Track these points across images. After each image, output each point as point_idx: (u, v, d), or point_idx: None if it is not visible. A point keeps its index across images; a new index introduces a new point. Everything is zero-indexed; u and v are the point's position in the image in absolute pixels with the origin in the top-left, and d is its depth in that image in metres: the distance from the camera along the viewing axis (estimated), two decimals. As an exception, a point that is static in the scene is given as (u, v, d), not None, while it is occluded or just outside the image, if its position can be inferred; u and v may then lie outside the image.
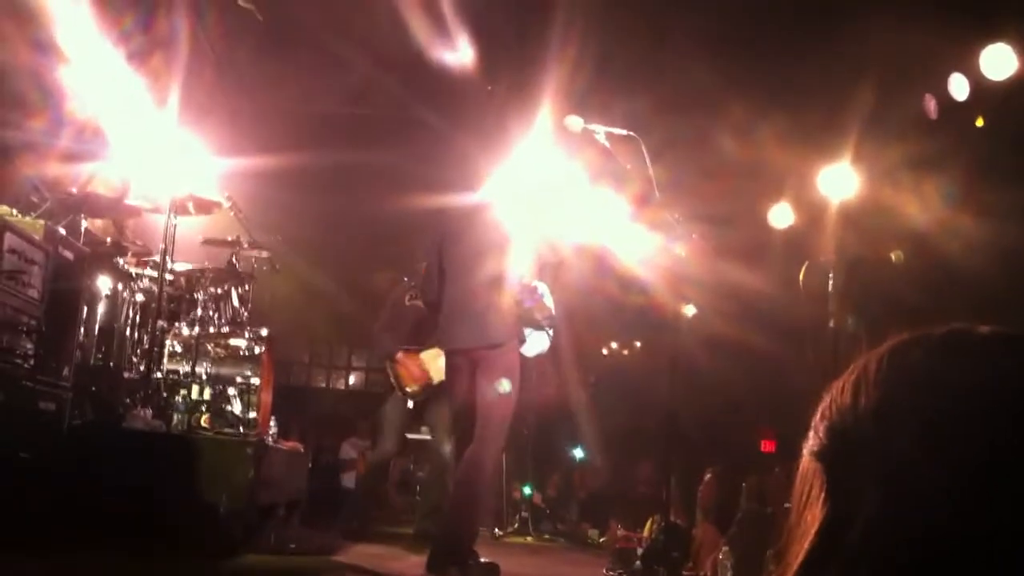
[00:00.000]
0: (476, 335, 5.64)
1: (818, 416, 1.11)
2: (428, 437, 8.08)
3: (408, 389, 7.31)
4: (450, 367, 5.89)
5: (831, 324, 5.20)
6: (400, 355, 7.28)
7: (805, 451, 1.11)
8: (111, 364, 6.50)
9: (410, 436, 9.37)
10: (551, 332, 5.87)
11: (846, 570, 0.98)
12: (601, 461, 11.42)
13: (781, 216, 8.81)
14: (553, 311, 5.78)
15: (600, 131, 5.30)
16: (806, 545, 1.04)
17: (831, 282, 5.27)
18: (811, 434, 1.11)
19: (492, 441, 5.57)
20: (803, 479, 1.11)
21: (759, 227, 8.71)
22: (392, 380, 7.38)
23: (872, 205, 7.34)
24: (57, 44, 6.56)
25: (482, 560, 5.73)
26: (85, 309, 6.07)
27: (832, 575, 0.99)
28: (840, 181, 7.79)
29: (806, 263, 5.33)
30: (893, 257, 5.34)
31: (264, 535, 6.40)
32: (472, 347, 5.65)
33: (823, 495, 1.05)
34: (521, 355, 5.73)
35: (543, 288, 5.75)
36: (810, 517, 1.07)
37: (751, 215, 8.70)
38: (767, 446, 9.65)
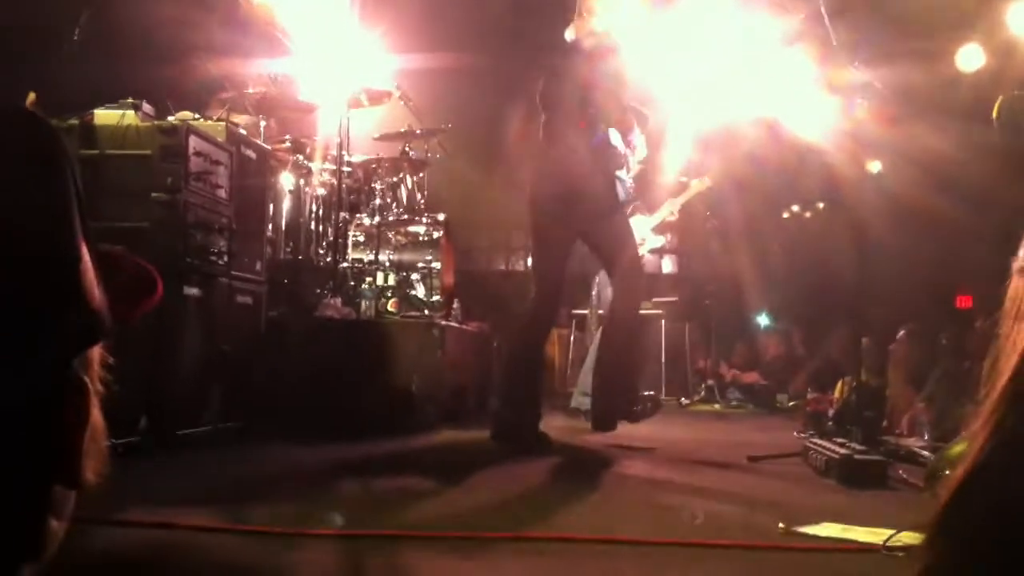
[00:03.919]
0: None
1: None
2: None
3: None
4: None
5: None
6: None
7: (1014, 269, 1.06)
8: (299, 257, 6.77)
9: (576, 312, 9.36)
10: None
11: None
12: (788, 326, 11.21)
13: (970, 58, 8.23)
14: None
15: (770, -17, 4.97)
16: (1014, 361, 1.00)
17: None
18: (1021, 252, 1.05)
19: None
20: (1013, 298, 1.06)
21: (946, 75, 8.16)
22: None
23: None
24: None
25: (644, 394, 5.71)
26: (271, 206, 6.31)
27: None
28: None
29: (1000, 97, 4.96)
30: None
31: (456, 413, 6.62)
32: None
33: None
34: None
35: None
36: (1020, 336, 1.02)
37: (937, 63, 8.15)
38: (963, 302, 9.26)
